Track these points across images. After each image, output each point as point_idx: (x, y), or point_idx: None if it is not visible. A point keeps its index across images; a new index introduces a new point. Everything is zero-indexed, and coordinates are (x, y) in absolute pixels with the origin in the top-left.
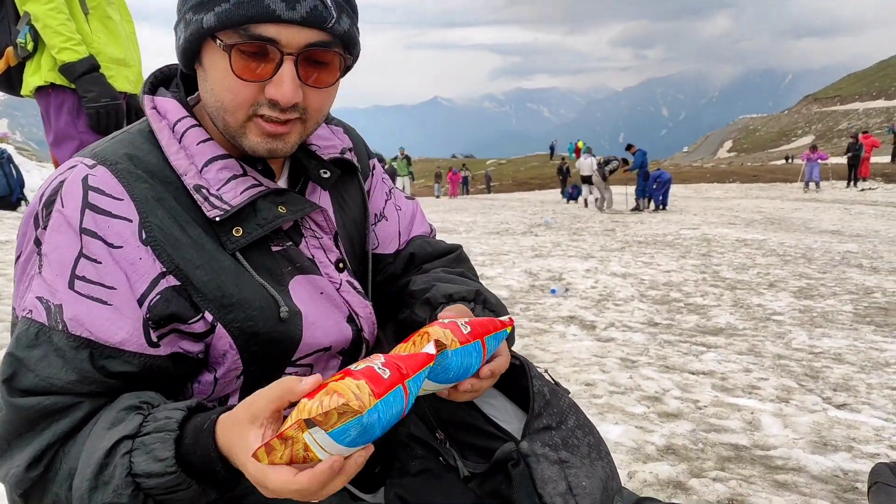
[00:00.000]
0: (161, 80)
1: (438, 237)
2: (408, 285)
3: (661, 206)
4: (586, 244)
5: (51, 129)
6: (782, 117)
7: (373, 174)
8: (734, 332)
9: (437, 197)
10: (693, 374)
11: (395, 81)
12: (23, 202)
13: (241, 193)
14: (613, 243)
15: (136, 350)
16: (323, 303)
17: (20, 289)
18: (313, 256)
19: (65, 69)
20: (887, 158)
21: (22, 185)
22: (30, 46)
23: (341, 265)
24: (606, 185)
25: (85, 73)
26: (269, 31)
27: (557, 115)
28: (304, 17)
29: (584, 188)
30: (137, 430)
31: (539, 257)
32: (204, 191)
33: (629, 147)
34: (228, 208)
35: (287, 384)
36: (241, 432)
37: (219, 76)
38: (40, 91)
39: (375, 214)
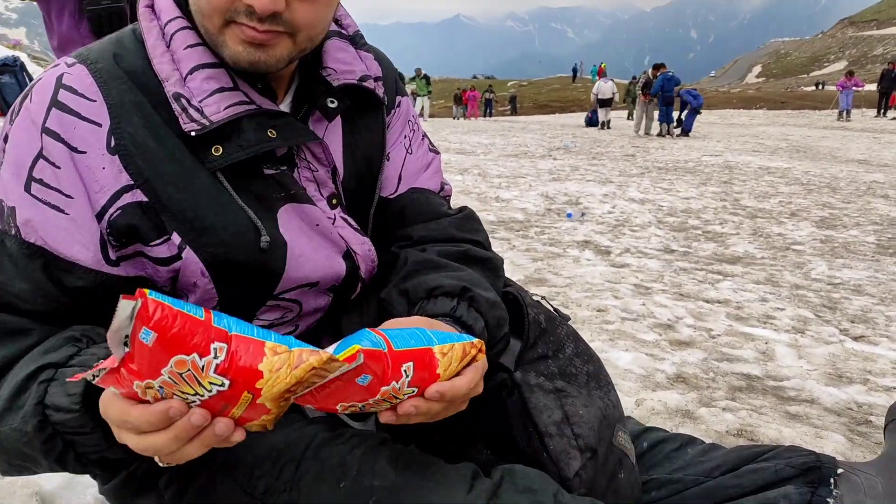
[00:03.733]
0: None
1: (455, 158)
2: (396, 259)
3: (684, 132)
4: (605, 169)
5: (54, 34)
6: (815, 42)
7: (396, 110)
8: (752, 261)
9: (456, 118)
10: (707, 302)
11: None
12: None
13: (225, 109)
14: (633, 168)
15: (91, 266)
16: (315, 236)
17: None
18: (305, 189)
19: None
20: None
21: None
22: None
23: (334, 201)
24: (647, 107)
25: None
26: None
27: (581, 35)
28: None
29: (601, 112)
30: (66, 361)
31: (556, 181)
32: (184, 100)
33: (660, 66)
34: (207, 123)
35: None
36: None
37: None
38: None
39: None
